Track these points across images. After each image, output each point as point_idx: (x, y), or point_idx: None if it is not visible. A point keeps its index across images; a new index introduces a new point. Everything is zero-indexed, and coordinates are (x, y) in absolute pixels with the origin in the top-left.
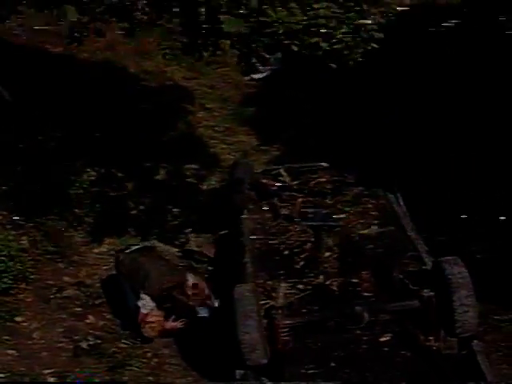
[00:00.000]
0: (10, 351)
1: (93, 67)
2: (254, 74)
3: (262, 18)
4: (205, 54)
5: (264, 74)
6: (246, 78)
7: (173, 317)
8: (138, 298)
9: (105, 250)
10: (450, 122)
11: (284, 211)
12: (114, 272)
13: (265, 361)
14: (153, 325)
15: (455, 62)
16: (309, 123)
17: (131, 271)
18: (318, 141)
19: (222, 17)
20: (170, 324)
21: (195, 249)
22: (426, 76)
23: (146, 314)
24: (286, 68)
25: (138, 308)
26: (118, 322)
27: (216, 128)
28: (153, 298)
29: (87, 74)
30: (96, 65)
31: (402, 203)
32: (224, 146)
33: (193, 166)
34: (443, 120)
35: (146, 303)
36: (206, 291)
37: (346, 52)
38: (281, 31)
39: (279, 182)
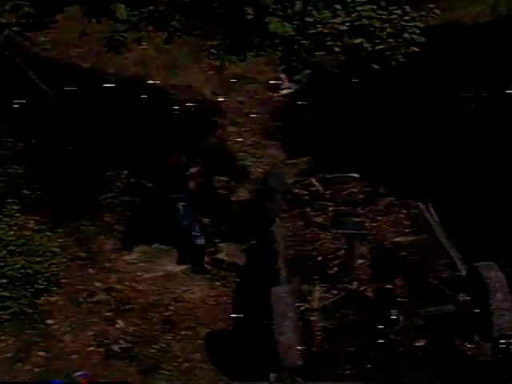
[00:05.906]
0: (40, 353)
1: (122, 82)
2: (283, 87)
3: (306, 19)
4: (249, 54)
5: (291, 90)
6: (274, 93)
7: None
8: None
9: (134, 257)
10: (481, 135)
11: (316, 219)
12: None
13: (300, 362)
14: None
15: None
16: (334, 136)
17: None
18: (343, 153)
19: (268, 18)
20: None
21: (225, 258)
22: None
23: None
24: (311, 85)
25: None
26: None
27: (245, 142)
28: None
29: (116, 88)
30: (125, 80)
31: (433, 212)
32: (253, 159)
33: (223, 178)
34: (475, 131)
35: None
36: None
37: (388, 53)
38: (325, 31)
39: (311, 191)
